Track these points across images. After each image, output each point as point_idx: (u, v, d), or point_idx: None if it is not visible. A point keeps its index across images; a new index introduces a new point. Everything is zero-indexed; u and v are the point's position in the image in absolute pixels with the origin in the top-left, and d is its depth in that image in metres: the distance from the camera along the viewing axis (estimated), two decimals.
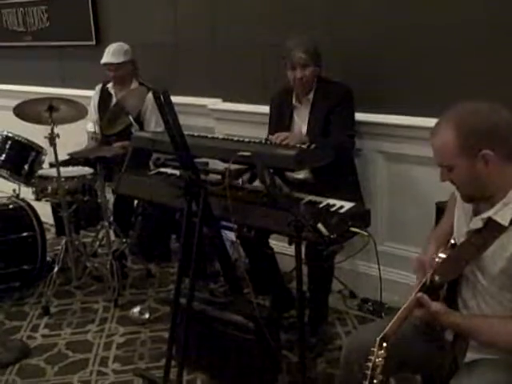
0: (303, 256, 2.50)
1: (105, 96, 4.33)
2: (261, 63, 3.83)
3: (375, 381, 1.60)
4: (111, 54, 4.10)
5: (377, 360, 1.62)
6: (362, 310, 3.53)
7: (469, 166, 1.71)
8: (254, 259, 3.33)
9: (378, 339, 1.65)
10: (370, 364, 1.62)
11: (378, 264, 2.48)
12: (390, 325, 1.69)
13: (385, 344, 1.64)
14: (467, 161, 1.70)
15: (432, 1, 3.12)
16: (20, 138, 3.92)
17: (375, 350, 1.63)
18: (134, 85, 4.21)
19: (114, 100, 4.19)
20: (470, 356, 1.87)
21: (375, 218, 3.33)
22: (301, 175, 3.26)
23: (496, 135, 1.69)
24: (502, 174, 1.72)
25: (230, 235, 3.37)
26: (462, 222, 1.92)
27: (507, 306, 1.78)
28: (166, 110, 2.53)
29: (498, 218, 1.74)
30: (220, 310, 2.84)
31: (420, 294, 1.76)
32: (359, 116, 3.32)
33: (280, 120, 3.37)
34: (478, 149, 1.68)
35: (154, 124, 4.04)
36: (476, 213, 1.85)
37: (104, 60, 4.10)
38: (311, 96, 3.26)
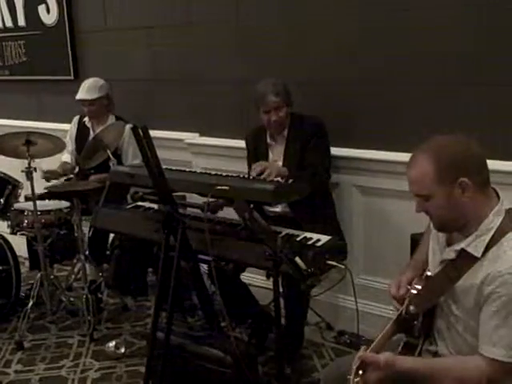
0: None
1: (82, 129, 4.35)
2: (238, 98, 3.89)
3: None
4: (86, 90, 4.13)
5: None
6: (339, 343, 3.54)
7: (446, 194, 1.76)
8: (228, 291, 3.33)
9: (354, 367, 1.67)
10: None
11: (355, 296, 2.52)
12: (366, 353, 1.71)
13: (361, 372, 1.65)
14: (445, 189, 1.76)
15: (405, 39, 3.21)
16: None
17: (351, 377, 1.65)
18: (111, 119, 4.23)
19: (91, 133, 4.21)
20: None
21: (351, 251, 3.39)
22: (278, 209, 3.30)
23: (471, 165, 1.76)
24: (475, 203, 1.78)
25: (207, 269, 3.38)
26: (436, 252, 1.96)
27: (476, 334, 1.80)
28: (145, 146, 2.56)
29: (470, 250, 1.78)
30: (197, 344, 2.83)
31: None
32: (335, 150, 3.38)
33: (256, 159, 3.41)
34: (455, 177, 1.74)
35: (131, 155, 4.05)
36: (449, 244, 1.90)
37: (78, 96, 4.14)
38: (285, 133, 3.33)
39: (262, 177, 2.89)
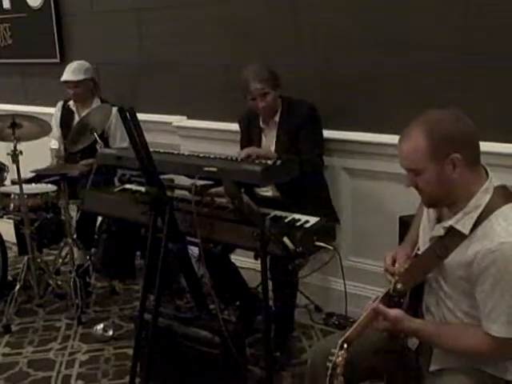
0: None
1: (66, 113, 4.30)
2: (226, 81, 3.87)
3: (336, 381, 1.63)
4: (71, 71, 4.09)
5: (337, 360, 1.65)
6: (328, 324, 3.56)
7: (437, 169, 1.76)
8: (217, 273, 3.34)
9: (339, 341, 1.69)
10: (331, 364, 1.64)
11: (343, 278, 2.53)
12: (351, 329, 1.73)
13: (345, 345, 1.67)
14: (436, 165, 1.75)
15: (394, 22, 3.20)
16: None
17: (336, 350, 1.67)
18: (96, 102, 4.19)
19: (77, 117, 4.18)
20: (434, 365, 1.91)
21: (340, 233, 3.39)
22: (269, 193, 3.30)
23: (464, 140, 1.76)
24: (466, 179, 1.78)
25: (195, 251, 3.38)
26: (426, 230, 1.97)
27: (467, 312, 1.83)
28: (132, 127, 2.54)
29: (458, 227, 1.79)
30: (185, 326, 2.84)
31: (375, 305, 1.80)
32: (325, 133, 3.37)
33: (249, 142, 3.40)
34: (446, 153, 1.74)
35: (119, 138, 4.03)
36: (439, 221, 1.91)
37: (63, 78, 4.10)
38: (277, 117, 3.30)
39: (249, 159, 2.88)
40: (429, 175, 1.78)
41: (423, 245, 1.96)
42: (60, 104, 4.37)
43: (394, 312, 1.78)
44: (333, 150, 3.48)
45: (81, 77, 4.09)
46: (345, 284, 2.61)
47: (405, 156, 1.81)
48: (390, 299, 1.86)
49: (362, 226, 3.54)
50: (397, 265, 2.01)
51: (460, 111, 1.82)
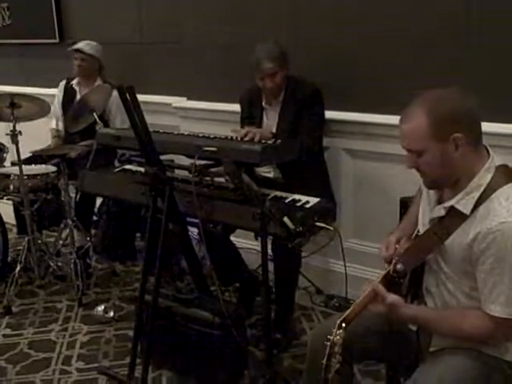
0: (269, 251, 2.52)
1: (69, 93, 4.29)
2: (226, 61, 3.83)
3: (333, 359, 1.62)
4: (85, 43, 4.12)
5: (335, 338, 1.64)
6: (328, 306, 3.56)
7: (440, 149, 1.73)
8: (217, 254, 3.32)
9: (337, 321, 1.68)
10: (329, 343, 1.63)
11: (344, 259, 2.52)
12: (350, 309, 1.72)
13: (344, 325, 1.67)
14: (438, 145, 1.72)
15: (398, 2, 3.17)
16: None
17: (334, 329, 1.66)
18: (99, 82, 4.17)
19: (78, 97, 4.15)
20: (435, 346, 1.90)
21: (340, 215, 3.38)
22: (270, 174, 3.28)
23: (466, 120, 1.73)
24: (468, 159, 1.75)
25: (196, 233, 3.37)
26: (426, 212, 1.95)
27: (469, 294, 1.82)
28: (132, 106, 2.51)
29: (459, 207, 1.77)
30: (186, 307, 2.83)
31: (376, 284, 1.78)
32: (326, 114, 3.34)
33: (250, 120, 3.37)
34: (449, 133, 1.71)
35: (120, 122, 4.01)
36: (439, 202, 1.88)
37: (76, 45, 4.11)
38: (281, 97, 3.27)
39: (246, 139, 2.86)
40: (430, 156, 1.74)
41: (423, 227, 1.94)
42: (63, 83, 4.36)
43: (392, 298, 1.76)
44: (334, 131, 3.46)
45: (92, 51, 4.12)
46: (345, 266, 2.60)
47: (406, 136, 1.77)
48: (389, 280, 1.84)
49: (362, 207, 3.52)
50: (390, 250, 1.98)
51: (462, 89, 1.79)
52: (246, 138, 2.86)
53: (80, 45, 4.10)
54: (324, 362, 1.64)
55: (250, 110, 3.41)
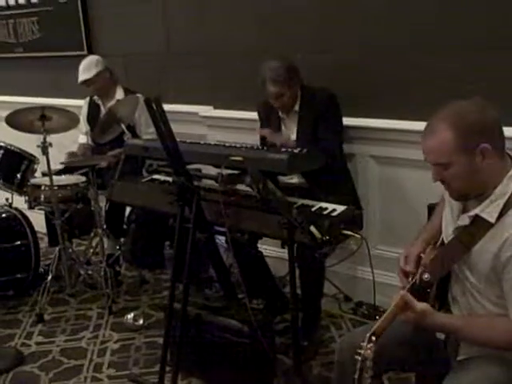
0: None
1: (93, 108, 4.33)
2: (252, 70, 3.83)
3: (365, 374, 1.62)
4: (82, 71, 4.09)
5: (366, 353, 1.63)
6: (357, 314, 3.55)
7: (467, 161, 1.72)
8: (244, 263, 3.33)
9: (367, 335, 1.67)
10: (360, 357, 1.63)
11: (371, 267, 2.51)
12: (379, 322, 1.71)
13: (374, 338, 1.65)
14: (465, 157, 1.71)
15: (420, 8, 3.16)
16: (12, 148, 3.94)
17: (365, 343, 1.65)
18: (119, 91, 4.21)
19: (103, 110, 4.21)
20: (463, 354, 1.89)
21: (368, 222, 3.36)
22: (294, 180, 3.29)
23: (491, 130, 1.73)
24: (494, 169, 1.74)
25: (223, 241, 3.39)
26: (450, 221, 1.94)
27: (495, 302, 1.80)
28: (158, 117, 2.55)
29: (484, 215, 1.76)
30: (214, 315, 2.86)
31: (404, 292, 1.77)
32: (350, 121, 3.35)
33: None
34: (476, 144, 1.70)
35: (145, 124, 4.00)
36: (464, 211, 1.87)
37: (78, 80, 4.11)
38: (297, 107, 3.29)
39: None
40: (458, 168, 1.73)
41: (447, 237, 1.93)
42: (87, 99, 4.40)
43: (421, 306, 1.74)
44: (359, 138, 3.46)
45: (93, 72, 4.08)
46: (373, 273, 2.59)
47: (431, 151, 1.76)
48: (416, 290, 1.83)
49: (390, 214, 3.51)
50: (409, 267, 1.97)
51: (482, 99, 1.78)
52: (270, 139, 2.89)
53: (81, 77, 4.08)
54: (356, 377, 1.63)
55: (267, 121, 3.45)
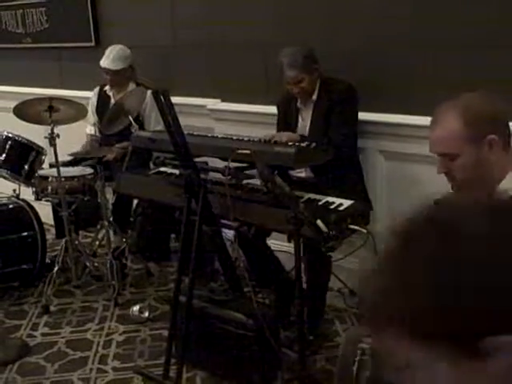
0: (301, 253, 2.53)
1: (102, 98, 4.31)
2: (261, 63, 3.85)
3: (365, 366, 1.62)
4: (111, 59, 4.05)
5: (364, 345, 1.63)
6: None
7: (475, 152, 1.71)
8: (253, 257, 3.34)
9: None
10: (359, 351, 1.63)
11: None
12: None
13: None
14: (473, 147, 1.71)
15: (429, 4, 3.15)
16: (20, 138, 3.94)
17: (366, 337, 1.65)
18: (132, 86, 4.20)
19: (113, 101, 4.19)
20: None
21: (375, 217, 3.36)
22: (302, 173, 3.28)
23: (498, 121, 1.73)
24: (500, 161, 1.74)
25: (229, 235, 3.39)
26: None
27: None
28: (166, 110, 2.55)
29: None
30: (220, 308, 2.86)
31: None
32: (360, 115, 3.33)
33: (286, 123, 3.40)
34: (484, 134, 1.70)
35: (154, 122, 4.02)
36: None
37: (103, 64, 4.06)
38: (315, 97, 3.28)
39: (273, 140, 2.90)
40: (465, 159, 1.72)
41: None
42: (96, 89, 4.37)
43: None
44: (368, 132, 3.44)
45: (120, 66, 4.06)
46: None
47: (438, 141, 1.76)
48: None
49: (397, 209, 3.49)
50: None
51: (488, 92, 1.78)
52: (275, 139, 2.89)
53: (107, 63, 4.04)
54: (355, 369, 1.64)
55: (285, 113, 3.43)
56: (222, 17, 4.01)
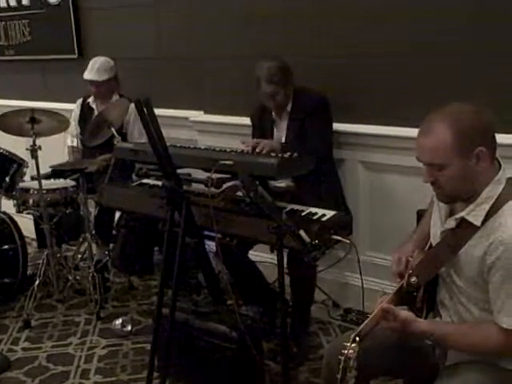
0: (285, 265, 2.52)
1: (85, 110, 4.30)
2: (242, 75, 3.85)
3: (349, 373, 1.60)
4: (95, 70, 4.05)
5: (349, 352, 1.62)
6: (345, 320, 3.54)
7: (462, 164, 1.71)
8: (235, 271, 3.32)
9: (352, 336, 1.66)
10: (343, 357, 1.62)
11: (360, 273, 2.51)
12: (363, 324, 1.71)
13: (358, 339, 1.65)
14: (461, 159, 1.71)
15: (409, 17, 3.18)
16: (1, 150, 3.91)
17: (348, 344, 1.64)
18: (115, 97, 4.19)
19: (96, 113, 4.17)
20: (451, 359, 1.88)
21: (357, 228, 3.37)
22: (283, 184, 3.27)
23: (487, 134, 1.74)
24: (486, 172, 1.75)
25: (213, 246, 3.37)
26: (437, 224, 1.94)
27: (482, 308, 1.80)
28: (148, 120, 2.54)
29: (470, 218, 1.76)
30: (203, 321, 2.84)
31: (385, 306, 1.76)
32: (339, 126, 3.36)
33: (261, 134, 3.40)
34: (473, 147, 1.70)
35: (138, 134, 4.01)
36: (451, 214, 1.87)
37: (87, 76, 4.05)
38: (289, 108, 3.29)
39: (257, 150, 2.89)
40: (453, 170, 1.72)
41: (435, 240, 1.93)
42: (79, 101, 4.36)
43: (404, 314, 1.74)
44: (350, 144, 3.46)
45: (105, 77, 4.06)
46: (362, 279, 2.58)
47: (427, 150, 1.74)
48: (403, 293, 1.83)
49: (379, 220, 3.51)
50: (401, 266, 1.97)
51: (477, 104, 1.78)
52: (257, 150, 2.89)
53: (91, 75, 4.03)
54: (339, 376, 1.63)
55: (260, 125, 3.44)
56: (206, 30, 4.02)
